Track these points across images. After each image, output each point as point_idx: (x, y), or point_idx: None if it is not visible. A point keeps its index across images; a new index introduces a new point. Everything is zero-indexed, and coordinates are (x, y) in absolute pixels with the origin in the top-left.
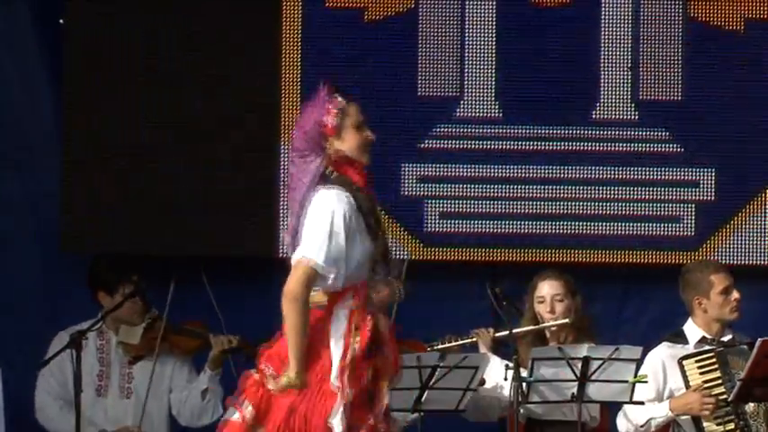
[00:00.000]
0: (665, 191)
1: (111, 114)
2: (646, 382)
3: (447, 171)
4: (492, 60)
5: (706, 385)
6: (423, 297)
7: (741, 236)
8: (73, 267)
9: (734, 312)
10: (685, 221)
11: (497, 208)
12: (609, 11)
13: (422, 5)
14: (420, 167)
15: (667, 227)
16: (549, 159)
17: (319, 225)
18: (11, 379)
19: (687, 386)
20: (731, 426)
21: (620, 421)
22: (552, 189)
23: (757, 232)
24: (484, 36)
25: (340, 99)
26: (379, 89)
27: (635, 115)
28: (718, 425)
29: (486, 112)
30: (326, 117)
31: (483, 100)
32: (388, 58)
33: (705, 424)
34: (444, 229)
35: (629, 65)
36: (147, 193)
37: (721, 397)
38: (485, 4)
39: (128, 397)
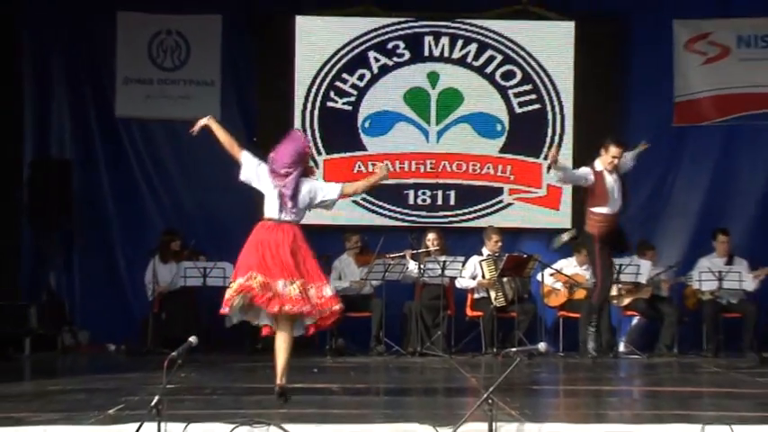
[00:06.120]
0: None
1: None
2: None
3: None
4: None
5: (490, 273)
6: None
7: None
8: None
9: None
10: None
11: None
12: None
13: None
14: None
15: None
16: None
17: (324, 184)
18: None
19: (483, 274)
20: (498, 291)
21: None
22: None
23: None
24: None
25: (308, 140)
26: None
27: None
28: (496, 291)
29: None
30: (308, 149)
31: None
32: None
33: (490, 290)
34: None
35: None
36: None
37: (495, 277)
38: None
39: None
